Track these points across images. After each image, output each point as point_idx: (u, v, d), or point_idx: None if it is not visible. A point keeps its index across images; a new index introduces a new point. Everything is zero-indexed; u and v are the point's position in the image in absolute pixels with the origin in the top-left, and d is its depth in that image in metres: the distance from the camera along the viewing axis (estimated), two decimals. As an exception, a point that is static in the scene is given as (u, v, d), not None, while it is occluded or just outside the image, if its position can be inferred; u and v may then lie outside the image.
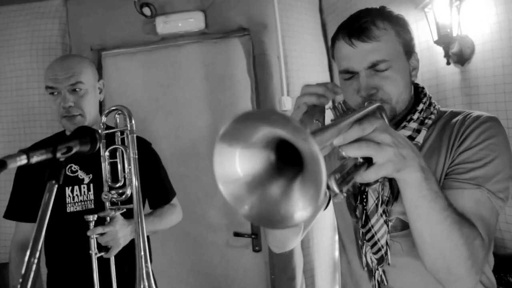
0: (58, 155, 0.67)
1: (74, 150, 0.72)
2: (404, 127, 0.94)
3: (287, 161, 0.53)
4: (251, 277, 2.21)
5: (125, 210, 1.38)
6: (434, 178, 0.73)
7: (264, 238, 2.15)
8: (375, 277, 0.95)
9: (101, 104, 1.84)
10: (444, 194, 0.74)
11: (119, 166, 1.41)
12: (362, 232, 0.96)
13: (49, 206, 0.67)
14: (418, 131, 0.93)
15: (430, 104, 0.98)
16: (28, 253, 0.64)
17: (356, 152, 0.62)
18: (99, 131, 1.45)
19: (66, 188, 1.49)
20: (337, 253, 2.29)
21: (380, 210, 0.92)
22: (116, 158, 1.42)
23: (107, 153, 1.40)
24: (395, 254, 0.92)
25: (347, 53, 0.92)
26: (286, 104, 2.15)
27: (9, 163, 0.55)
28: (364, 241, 0.96)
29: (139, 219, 1.30)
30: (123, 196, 1.38)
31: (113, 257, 1.35)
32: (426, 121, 0.94)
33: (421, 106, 0.96)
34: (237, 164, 0.52)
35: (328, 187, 0.55)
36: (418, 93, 1.01)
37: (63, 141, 0.73)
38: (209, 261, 2.25)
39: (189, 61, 2.29)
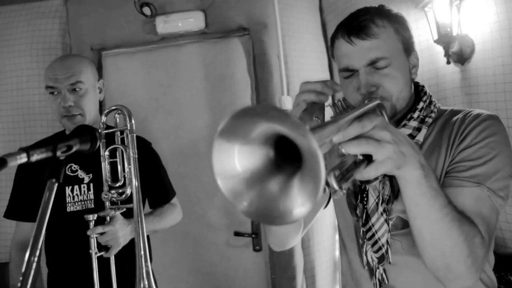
0: (58, 153, 0.67)
1: (74, 149, 0.72)
2: (405, 125, 0.94)
3: (286, 158, 0.53)
4: (251, 277, 2.21)
5: (125, 209, 1.38)
6: (434, 175, 0.73)
7: (264, 237, 2.15)
8: (375, 276, 0.95)
9: (101, 104, 1.84)
10: (444, 192, 0.74)
11: (119, 166, 1.41)
12: (363, 231, 0.96)
13: (49, 205, 0.67)
14: (418, 129, 0.93)
15: (431, 102, 0.98)
16: (28, 252, 0.64)
17: (356, 149, 0.62)
18: (99, 130, 1.45)
19: (66, 187, 1.49)
20: (337, 253, 2.29)
21: (380, 208, 0.92)
22: (116, 157, 1.42)
23: (107, 153, 1.40)
24: (396, 253, 0.92)
25: (347, 51, 0.92)
26: (287, 103, 2.15)
27: (9, 161, 0.55)
28: (365, 240, 0.96)
29: (139, 219, 1.30)
30: (123, 196, 1.38)
31: (113, 257, 1.35)
32: (427, 119, 0.94)
33: (421, 104, 0.96)
34: (236, 160, 0.52)
35: (328, 184, 0.55)
36: (418, 91, 1.01)
37: (63, 140, 0.73)
38: (209, 261, 2.25)
39: (189, 60, 2.29)
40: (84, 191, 1.49)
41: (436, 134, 0.94)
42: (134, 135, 1.38)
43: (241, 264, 2.21)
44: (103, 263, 1.33)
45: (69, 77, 1.47)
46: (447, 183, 0.85)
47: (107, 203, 1.38)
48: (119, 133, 1.41)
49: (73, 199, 1.48)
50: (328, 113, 0.83)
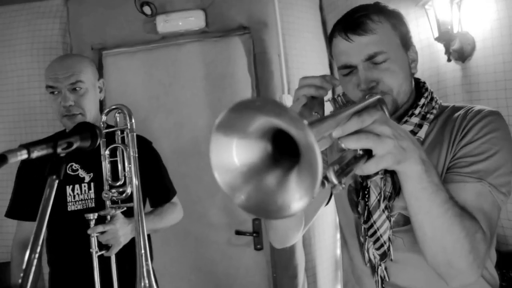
0: (59, 150, 0.67)
1: (75, 146, 0.72)
2: (406, 122, 0.93)
3: (284, 152, 0.53)
4: (252, 276, 2.20)
5: (125, 208, 1.38)
6: (435, 171, 0.72)
7: (265, 236, 2.15)
8: (377, 273, 0.95)
9: (101, 103, 1.85)
10: (446, 188, 0.74)
11: (120, 165, 1.41)
12: (364, 228, 0.95)
13: (50, 202, 0.67)
14: (420, 126, 0.93)
15: (432, 99, 0.97)
16: (29, 249, 0.64)
17: (355, 144, 0.61)
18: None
19: (67, 187, 1.49)
20: (339, 251, 2.29)
21: (382, 205, 0.92)
22: (116, 157, 1.42)
23: (107, 152, 1.40)
24: (398, 250, 0.92)
25: (344, 48, 0.92)
26: (287, 102, 2.15)
27: (10, 158, 0.55)
28: (367, 237, 0.95)
29: (139, 218, 1.30)
30: (124, 195, 1.38)
31: (114, 256, 1.35)
32: (428, 116, 0.94)
33: (422, 100, 0.95)
34: (234, 154, 0.52)
35: (327, 179, 0.55)
36: (419, 88, 1.01)
37: (63, 137, 0.73)
38: (210, 260, 2.25)
39: (189, 59, 2.29)
40: (84, 190, 1.50)
41: (438, 130, 0.93)
42: (134, 134, 1.38)
43: (242, 263, 2.21)
44: (104, 262, 1.33)
45: (69, 76, 1.47)
46: (448, 179, 0.84)
47: (108, 202, 1.38)
48: (119, 132, 1.41)
49: (74, 198, 1.48)
50: (328, 108, 0.83)
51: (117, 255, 1.36)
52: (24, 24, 2.36)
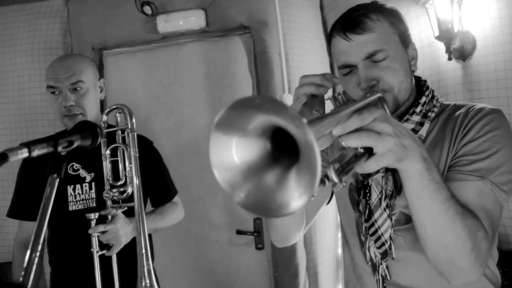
0: (60, 149, 0.67)
1: (76, 144, 0.72)
2: (407, 120, 0.93)
3: (284, 150, 0.53)
4: (253, 275, 2.20)
5: (126, 208, 1.38)
6: (436, 169, 0.72)
7: (267, 235, 2.15)
8: (378, 272, 0.94)
9: (102, 103, 1.85)
10: (447, 186, 0.74)
11: (120, 165, 1.41)
12: (365, 227, 0.95)
13: (51, 201, 0.67)
14: (421, 124, 0.93)
15: (433, 97, 0.97)
16: (30, 247, 0.64)
17: (356, 142, 0.61)
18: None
19: (68, 186, 1.49)
20: (340, 250, 2.29)
21: (383, 204, 0.91)
22: (117, 156, 1.42)
23: (108, 152, 1.40)
24: (399, 248, 0.92)
25: (344, 48, 0.92)
26: (288, 101, 2.15)
27: (11, 156, 0.55)
28: (368, 236, 0.95)
29: (140, 217, 1.30)
30: (124, 195, 1.38)
31: (115, 255, 1.35)
32: (429, 114, 0.94)
33: (423, 99, 0.95)
34: (233, 152, 0.52)
35: (328, 177, 0.55)
36: (420, 86, 1.01)
37: (64, 135, 0.73)
38: (211, 259, 2.25)
39: (190, 59, 2.29)
40: (86, 190, 1.50)
41: (439, 129, 0.93)
42: (135, 133, 1.38)
43: (243, 262, 2.21)
44: (105, 261, 1.33)
45: (70, 76, 1.47)
46: (450, 177, 0.84)
47: (109, 202, 1.38)
48: (120, 132, 1.41)
49: (75, 198, 1.49)
50: (329, 106, 0.83)
51: (118, 255, 1.36)
52: (25, 24, 2.36)
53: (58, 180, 0.69)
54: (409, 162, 0.67)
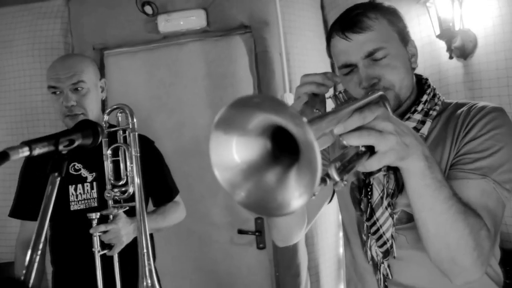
0: (61, 147, 0.67)
1: (77, 143, 0.72)
2: (409, 118, 0.93)
3: (284, 149, 0.53)
4: (255, 274, 2.20)
5: (128, 208, 1.38)
6: (438, 167, 0.72)
7: (268, 235, 2.14)
8: (380, 271, 0.94)
9: (103, 103, 1.85)
10: (449, 184, 0.74)
11: (122, 165, 1.41)
12: (367, 226, 0.95)
13: (52, 199, 0.67)
14: (422, 122, 0.92)
15: (435, 95, 0.97)
16: (31, 245, 0.64)
17: (357, 141, 0.61)
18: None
19: (70, 186, 1.49)
20: (341, 250, 2.28)
21: (385, 203, 0.91)
22: (118, 156, 1.42)
23: (109, 152, 1.40)
24: (401, 247, 0.91)
25: (343, 47, 0.92)
26: (289, 100, 2.15)
27: (12, 154, 0.55)
28: (369, 235, 0.95)
29: (141, 217, 1.30)
30: (126, 194, 1.38)
31: (117, 255, 1.36)
32: (431, 112, 0.93)
33: (425, 97, 0.95)
34: (233, 151, 0.52)
35: (329, 176, 0.54)
36: (421, 84, 1.00)
37: (65, 134, 0.73)
38: (213, 259, 2.25)
39: (191, 59, 2.29)
40: (87, 189, 1.50)
41: (441, 127, 0.93)
42: (136, 133, 1.38)
43: (245, 262, 2.21)
44: (107, 261, 1.33)
45: (71, 76, 1.47)
46: (452, 176, 0.84)
47: (110, 202, 1.38)
48: (121, 131, 1.41)
49: (77, 198, 1.49)
50: (330, 105, 0.83)
51: (119, 254, 1.36)
52: (26, 25, 2.36)
53: (59, 179, 0.69)
54: (411, 161, 0.67)
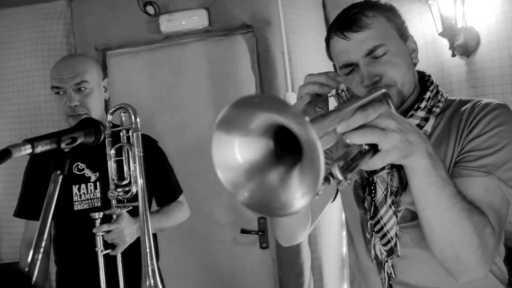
0: (63, 145, 0.67)
1: (79, 141, 0.72)
2: (412, 116, 0.92)
3: (287, 149, 0.52)
4: (258, 274, 2.20)
5: (131, 207, 1.39)
6: (442, 164, 0.71)
7: (271, 234, 2.14)
8: (384, 270, 0.94)
9: (106, 104, 1.85)
10: (453, 182, 0.73)
11: (125, 164, 1.41)
12: (371, 224, 0.94)
13: (54, 197, 0.67)
14: (426, 119, 0.92)
15: (437, 92, 0.96)
16: (33, 243, 0.64)
17: (360, 139, 0.61)
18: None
19: (73, 186, 1.49)
20: (345, 249, 2.28)
21: (389, 201, 0.91)
22: (122, 156, 1.42)
23: (112, 151, 1.40)
24: (405, 246, 0.91)
25: (343, 47, 0.92)
26: (291, 100, 2.15)
27: (14, 152, 0.55)
28: (373, 233, 0.94)
29: (144, 217, 1.30)
30: (129, 194, 1.38)
31: (120, 255, 1.36)
32: (434, 109, 0.93)
33: (428, 94, 0.95)
34: (236, 152, 0.52)
35: (333, 175, 0.54)
36: (424, 81, 1.00)
37: (67, 132, 0.73)
38: (216, 258, 2.25)
39: (193, 59, 2.29)
40: (90, 189, 1.50)
41: (445, 124, 0.92)
42: (139, 133, 1.38)
43: (248, 261, 2.21)
44: (110, 261, 1.34)
45: (74, 76, 1.48)
46: (456, 173, 0.83)
47: (113, 202, 1.38)
48: (124, 131, 1.41)
49: (80, 197, 1.49)
50: (332, 104, 0.82)
51: (123, 254, 1.36)
52: (29, 26, 2.37)
53: (61, 176, 0.69)
54: (415, 158, 0.67)
